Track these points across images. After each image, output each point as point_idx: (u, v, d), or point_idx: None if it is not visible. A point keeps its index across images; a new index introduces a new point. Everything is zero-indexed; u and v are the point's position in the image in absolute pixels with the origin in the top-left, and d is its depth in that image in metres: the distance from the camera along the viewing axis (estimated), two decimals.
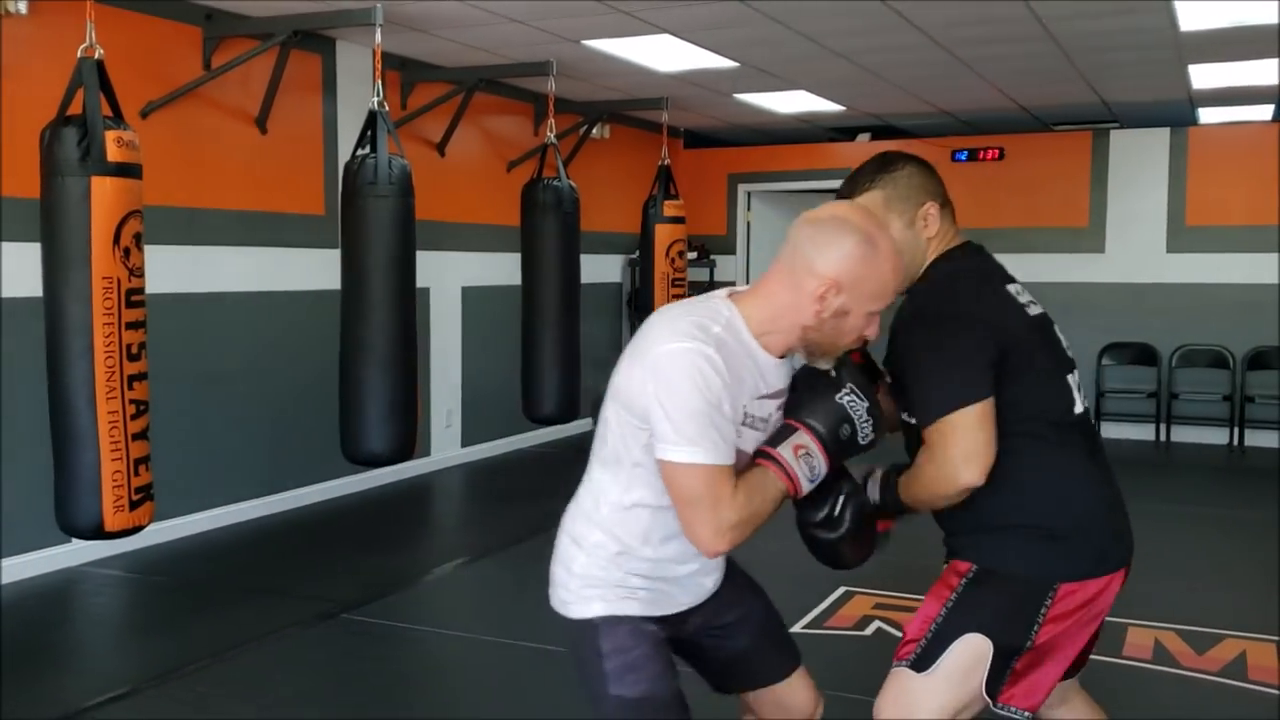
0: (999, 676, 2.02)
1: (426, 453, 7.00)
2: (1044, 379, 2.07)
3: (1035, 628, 2.00)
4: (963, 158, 8.95)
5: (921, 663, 2.03)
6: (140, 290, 3.84)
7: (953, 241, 2.17)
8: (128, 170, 3.76)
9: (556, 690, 3.67)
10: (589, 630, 1.92)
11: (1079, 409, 2.10)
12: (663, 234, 7.74)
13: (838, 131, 9.79)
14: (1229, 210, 8.26)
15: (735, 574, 2.16)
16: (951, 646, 2.01)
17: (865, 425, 1.89)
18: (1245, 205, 8.20)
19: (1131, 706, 3.44)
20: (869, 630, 4.07)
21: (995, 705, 2.03)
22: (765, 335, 1.88)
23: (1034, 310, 2.13)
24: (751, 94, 7.98)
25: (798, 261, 1.85)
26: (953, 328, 2.02)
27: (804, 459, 1.84)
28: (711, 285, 9.92)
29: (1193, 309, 8.28)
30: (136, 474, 3.85)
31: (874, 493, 2.09)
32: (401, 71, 6.56)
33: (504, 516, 6.05)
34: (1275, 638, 3.96)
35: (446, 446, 7.19)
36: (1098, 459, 2.13)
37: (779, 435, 1.87)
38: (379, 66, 4.86)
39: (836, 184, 9.02)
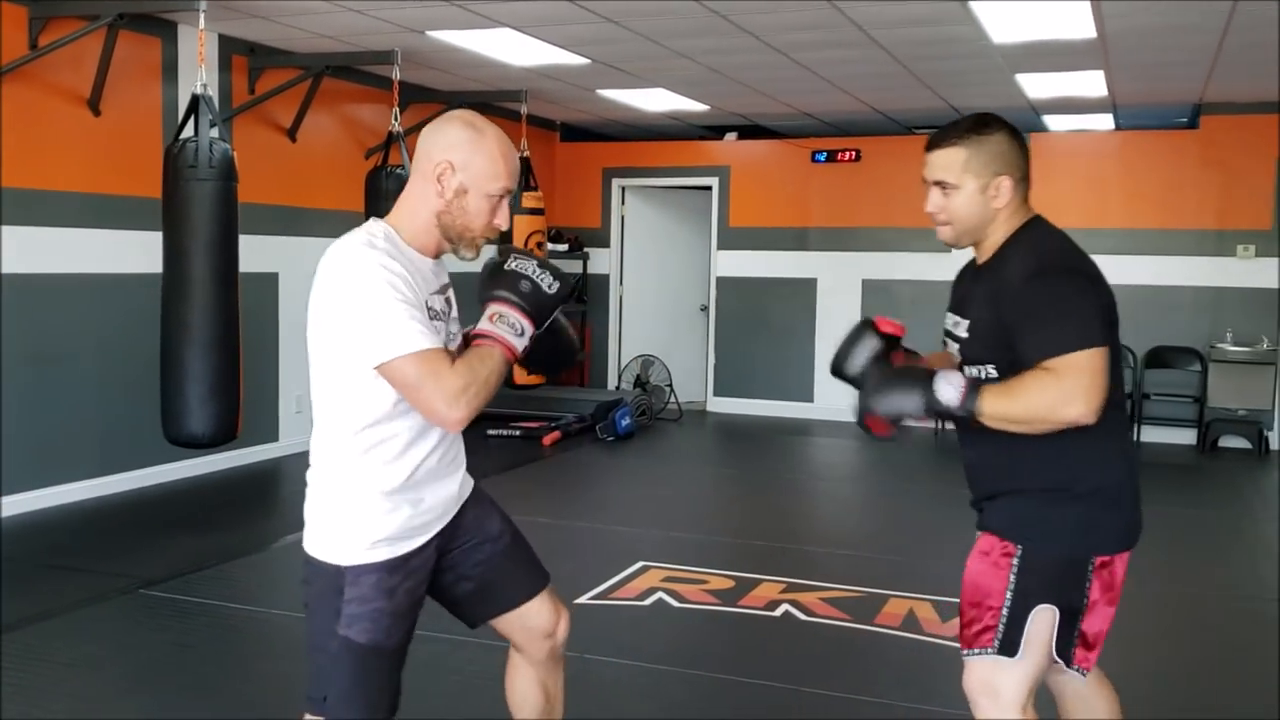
0: (1068, 640, 2.16)
1: (274, 438, 7.06)
2: (1117, 357, 2.15)
3: (1087, 590, 2.15)
4: (822, 159, 9.24)
5: (1009, 647, 2.14)
6: None
7: (1026, 214, 2.23)
8: None
9: None
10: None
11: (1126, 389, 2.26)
12: (521, 225, 7.90)
13: (709, 129, 10.02)
14: (1066, 213, 8.60)
15: (483, 498, 2.31)
16: (1029, 623, 2.13)
17: (543, 276, 2.07)
18: (1080, 209, 8.61)
19: (868, 668, 3.70)
20: (650, 600, 4.28)
21: (1071, 668, 2.19)
22: (415, 238, 2.06)
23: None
24: (613, 90, 8.15)
25: (420, 158, 2.06)
26: (1082, 283, 2.10)
27: (500, 321, 2.02)
28: (585, 278, 10.09)
29: None
30: None
31: (948, 393, 2.09)
32: (250, 56, 6.61)
33: None
34: None
35: (296, 432, 7.25)
36: (1130, 439, 2.31)
37: (480, 320, 2.07)
38: (202, 49, 4.94)
39: (707, 180, 9.39)
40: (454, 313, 2.17)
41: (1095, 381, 2.00)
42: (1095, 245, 8.40)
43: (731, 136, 9.86)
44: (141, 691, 3.44)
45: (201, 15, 4.92)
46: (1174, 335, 8.42)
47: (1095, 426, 2.06)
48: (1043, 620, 2.13)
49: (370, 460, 2.03)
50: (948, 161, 2.18)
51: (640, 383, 9.52)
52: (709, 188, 9.87)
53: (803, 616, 4.15)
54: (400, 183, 6.22)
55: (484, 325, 2.03)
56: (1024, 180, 2.22)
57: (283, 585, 4.80)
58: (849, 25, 5.77)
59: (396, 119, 6.25)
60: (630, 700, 3.39)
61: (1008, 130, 2.21)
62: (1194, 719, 3.38)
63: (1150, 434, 8.50)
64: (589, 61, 7.00)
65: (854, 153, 9.15)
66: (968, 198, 2.18)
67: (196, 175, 4.86)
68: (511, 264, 2.08)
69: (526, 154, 7.76)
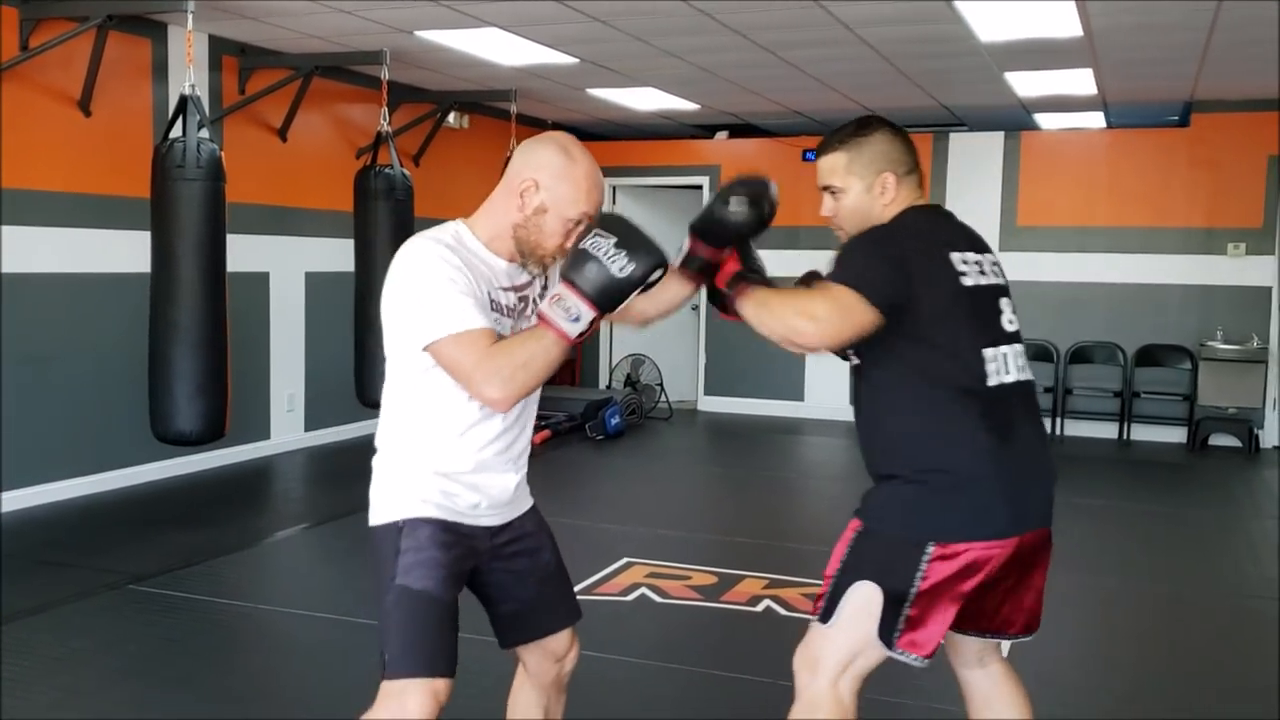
0: (891, 623, 2.15)
1: (266, 436, 7.09)
2: (955, 348, 2.15)
3: (917, 577, 2.12)
4: (812, 157, 9.18)
5: (826, 615, 2.21)
6: None
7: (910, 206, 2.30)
8: None
9: (322, 654, 3.85)
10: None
11: (997, 381, 2.18)
12: None
13: (699, 128, 10.05)
14: (1056, 212, 8.69)
15: (542, 526, 2.35)
16: (846, 595, 2.18)
17: (613, 258, 1.98)
18: (1071, 207, 8.65)
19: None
20: (633, 596, 4.31)
21: (892, 650, 2.16)
22: (492, 240, 2.12)
23: (972, 281, 2.22)
24: (603, 89, 8.18)
25: (510, 172, 2.10)
26: (875, 249, 2.19)
27: (557, 305, 1.99)
28: None
29: (1020, 305, 8.65)
30: None
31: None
32: (240, 57, 6.64)
33: (332, 497, 6.18)
34: None
35: (288, 430, 7.28)
36: (1014, 432, 2.19)
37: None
38: (190, 52, 4.97)
39: (698, 179, 9.37)
40: (529, 310, 2.17)
41: (843, 318, 2.10)
42: (1086, 243, 8.56)
43: (722, 135, 9.88)
44: (129, 685, 3.47)
45: (189, 16, 4.95)
46: (1164, 333, 8.45)
47: (943, 411, 2.15)
48: (860, 595, 2.16)
49: (428, 441, 2.11)
50: (832, 166, 2.29)
51: (631, 382, 9.54)
52: (700, 187, 9.89)
53: (783, 611, 4.18)
54: (389, 183, 6.33)
55: (542, 306, 2.03)
56: (910, 173, 2.30)
57: (271, 581, 4.84)
58: (835, 24, 5.80)
59: (386, 119, 6.28)
60: (611, 695, 3.42)
61: (888, 129, 2.30)
62: (1184, 718, 3.40)
63: (1140, 432, 8.53)
64: (578, 61, 7.03)
65: None
66: (855, 198, 2.28)
67: (184, 175, 4.89)
68: (586, 242, 2.02)
69: (512, 154, 7.78)
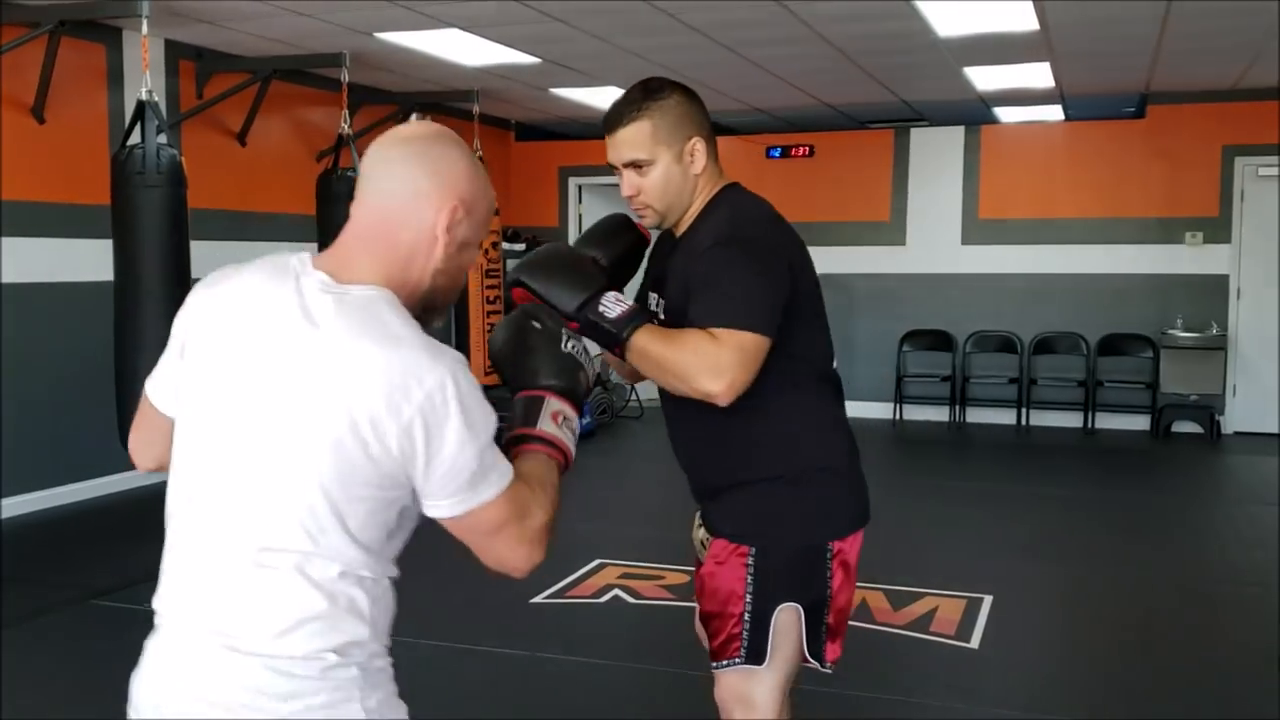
0: (817, 637, 2.05)
1: None
2: (821, 329, 2.09)
3: (829, 581, 2.04)
4: (776, 154, 9.29)
5: (755, 655, 2.03)
6: None
7: (721, 178, 2.11)
8: None
9: None
10: None
11: (835, 363, 2.14)
12: None
13: None
14: (1017, 204, 8.77)
15: None
16: (772, 626, 2.02)
17: (593, 366, 1.69)
18: (1031, 199, 8.73)
19: None
20: (606, 598, 4.30)
21: (825, 667, 2.08)
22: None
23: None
24: (566, 89, 8.16)
25: (407, 192, 1.42)
26: (766, 263, 1.96)
27: (565, 425, 1.57)
28: None
29: (984, 298, 8.78)
30: None
31: (614, 309, 1.91)
32: (198, 61, 6.57)
33: None
34: (968, 594, 4.33)
35: None
36: (844, 415, 2.15)
37: (529, 410, 1.56)
38: (146, 57, 4.91)
39: None
40: None
41: (745, 365, 1.86)
42: (1046, 235, 8.63)
43: None
44: (90, 700, 3.42)
45: (144, 21, 4.89)
46: (1125, 322, 8.55)
47: (810, 403, 2.05)
48: (786, 620, 2.03)
49: None
50: (635, 137, 2.01)
51: (600, 381, 9.53)
52: None
53: None
54: (351, 185, 6.26)
55: (547, 427, 1.55)
56: (712, 138, 2.08)
57: None
58: (795, 22, 5.82)
59: (347, 121, 6.24)
60: (584, 695, 3.42)
61: (681, 89, 2.07)
62: (1149, 703, 3.44)
63: (1104, 420, 8.62)
64: (540, 60, 7.01)
65: (808, 148, 9.20)
66: (665, 169, 2.02)
67: (145, 182, 4.83)
68: (568, 344, 1.65)
69: (480, 154, 7.75)
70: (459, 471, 1.34)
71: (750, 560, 2.02)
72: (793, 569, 2.03)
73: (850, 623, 3.96)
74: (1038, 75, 7.50)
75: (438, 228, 1.42)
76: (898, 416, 8.85)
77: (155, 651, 1.47)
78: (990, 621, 4.03)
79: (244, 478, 1.35)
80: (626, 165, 2.04)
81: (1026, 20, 5.86)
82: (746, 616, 2.02)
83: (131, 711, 1.48)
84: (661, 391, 2.06)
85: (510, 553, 1.44)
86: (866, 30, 6.06)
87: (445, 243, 1.43)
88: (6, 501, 5.55)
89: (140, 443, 1.57)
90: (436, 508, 1.37)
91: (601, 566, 4.64)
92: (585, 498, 6.62)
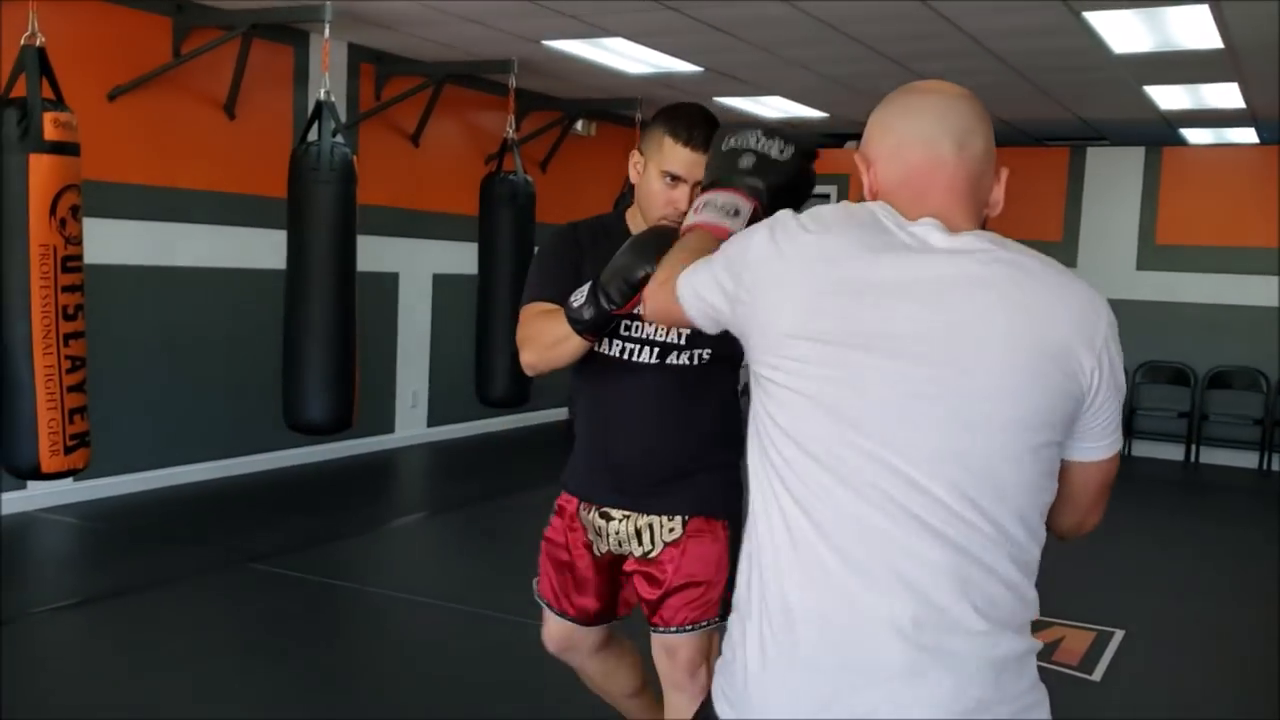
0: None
1: (390, 429, 7.35)
2: None
3: None
4: None
5: (728, 610, 2.15)
6: (77, 257, 4.18)
7: None
8: (64, 148, 4.11)
9: (426, 638, 4.00)
10: None
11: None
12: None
13: (828, 136, 9.98)
14: (1197, 230, 8.35)
15: None
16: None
17: (770, 144, 1.87)
18: (1212, 225, 8.29)
19: None
20: None
21: None
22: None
23: None
24: (730, 98, 8.22)
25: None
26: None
27: (706, 209, 1.83)
28: None
29: (1157, 326, 8.38)
30: (71, 422, 4.18)
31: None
32: (377, 64, 6.91)
33: (450, 490, 6.39)
34: (1099, 627, 4.18)
35: (412, 425, 7.53)
36: None
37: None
38: (326, 60, 5.20)
39: (826, 189, 9.29)
40: None
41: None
42: (1227, 263, 8.19)
43: (851, 145, 9.80)
44: (240, 655, 3.70)
45: (327, 26, 5.18)
46: None
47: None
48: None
49: None
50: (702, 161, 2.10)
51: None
52: (828, 196, 9.82)
53: None
54: (512, 189, 6.49)
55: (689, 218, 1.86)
56: None
57: (387, 566, 5.03)
58: (960, 35, 5.71)
59: (512, 126, 6.45)
60: None
61: None
62: None
63: None
64: (703, 70, 7.08)
65: None
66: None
67: (319, 178, 5.11)
68: (730, 141, 1.89)
69: None
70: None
71: (729, 532, 2.26)
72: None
73: None
74: (1226, 95, 7.13)
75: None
76: None
77: None
78: (1118, 655, 3.89)
79: None
80: (694, 183, 2.14)
81: (1209, 38, 5.59)
82: (729, 578, 2.19)
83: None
84: (603, 384, 2.27)
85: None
86: (1034, 46, 5.89)
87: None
88: (187, 469, 5.96)
89: None
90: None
91: None
92: None
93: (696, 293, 1.50)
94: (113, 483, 5.58)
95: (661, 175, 2.15)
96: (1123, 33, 5.56)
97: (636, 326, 2.21)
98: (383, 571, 4.91)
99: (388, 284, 7.16)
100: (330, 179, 5.15)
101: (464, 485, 6.46)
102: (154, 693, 3.34)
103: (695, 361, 2.22)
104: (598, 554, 2.33)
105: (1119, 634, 4.11)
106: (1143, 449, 8.44)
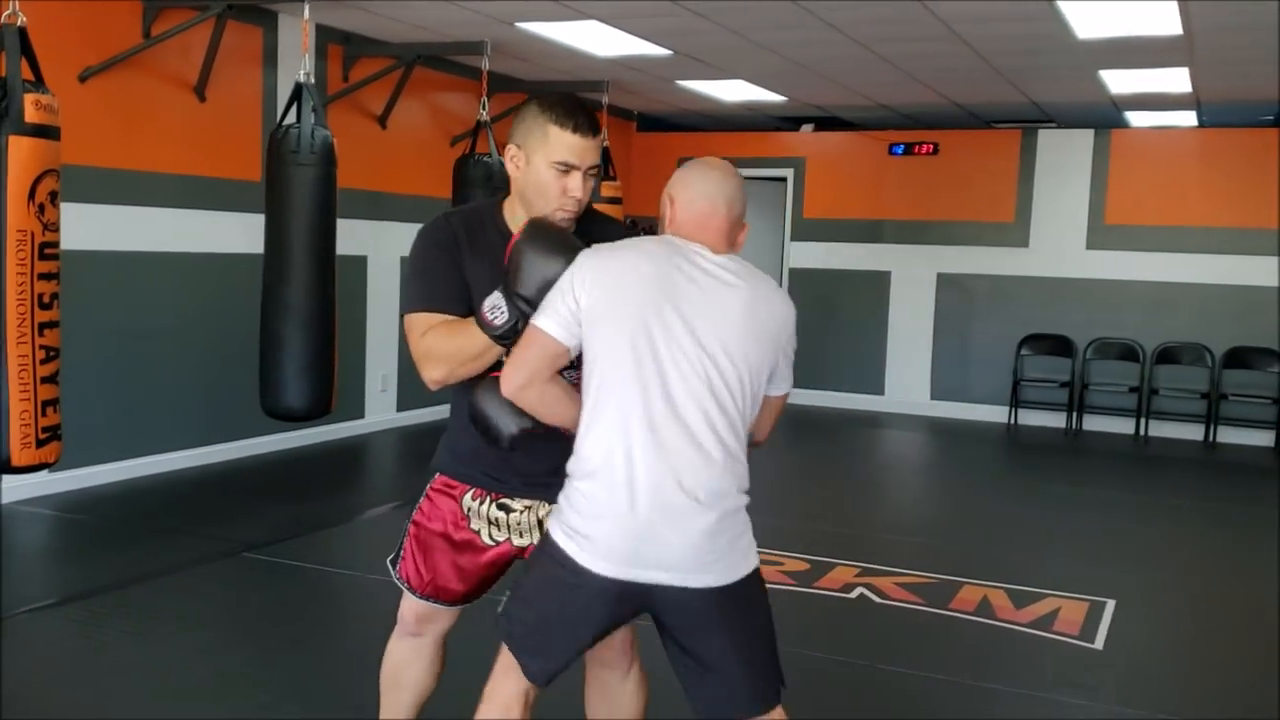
0: None
1: (360, 414, 7.30)
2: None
3: None
4: (899, 151, 9.26)
5: None
6: (54, 244, 4.05)
7: None
8: (45, 131, 3.96)
9: None
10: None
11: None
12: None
13: (784, 120, 10.09)
14: (1145, 210, 8.61)
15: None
16: None
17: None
18: (1160, 206, 8.56)
19: (941, 650, 3.80)
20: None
21: None
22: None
23: None
24: (693, 81, 8.26)
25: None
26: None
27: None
28: None
29: (1107, 304, 8.63)
30: (44, 414, 4.02)
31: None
32: (345, 45, 6.83)
33: (424, 476, 6.35)
34: (1092, 597, 4.33)
35: (381, 410, 7.49)
36: None
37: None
38: (306, 40, 5.13)
39: (782, 171, 9.37)
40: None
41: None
42: (1174, 243, 8.46)
43: (808, 128, 9.91)
44: (247, 644, 3.66)
45: (306, 7, 5.11)
46: (1253, 336, 8.32)
47: None
48: None
49: None
50: (599, 147, 2.20)
51: None
52: (784, 179, 9.93)
53: (878, 599, 4.26)
54: (487, 170, 6.47)
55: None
56: None
57: (378, 553, 5.01)
58: (934, 20, 5.82)
59: (485, 108, 6.42)
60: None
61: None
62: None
63: (1227, 434, 8.41)
64: (672, 53, 7.12)
65: (932, 145, 9.15)
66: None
67: (299, 160, 5.05)
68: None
69: (606, 144, 7.90)
70: None
71: None
72: None
73: (973, 618, 4.02)
74: (1176, 80, 7.36)
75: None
76: (1013, 421, 8.77)
77: None
78: (1115, 624, 4.03)
79: None
80: (589, 169, 2.16)
81: (1170, 24, 5.77)
82: None
83: None
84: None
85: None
86: (1005, 31, 6.03)
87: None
88: (158, 458, 5.87)
89: None
90: None
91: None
92: None
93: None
94: (85, 474, 5.47)
95: (552, 165, 2.12)
96: (1089, 18, 5.71)
97: None
98: (376, 558, 4.89)
99: (356, 267, 7.09)
100: (310, 161, 5.07)
101: None
102: (162, 692, 3.27)
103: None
104: (490, 542, 2.29)
105: (1110, 603, 4.25)
106: (1094, 423, 8.70)
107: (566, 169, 2.14)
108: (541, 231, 2.10)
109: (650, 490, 1.93)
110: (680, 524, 1.93)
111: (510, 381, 2.05)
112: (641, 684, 2.38)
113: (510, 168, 2.19)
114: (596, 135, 2.18)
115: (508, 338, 2.07)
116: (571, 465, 2.03)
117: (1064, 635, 3.91)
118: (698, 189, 2.14)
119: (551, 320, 2.01)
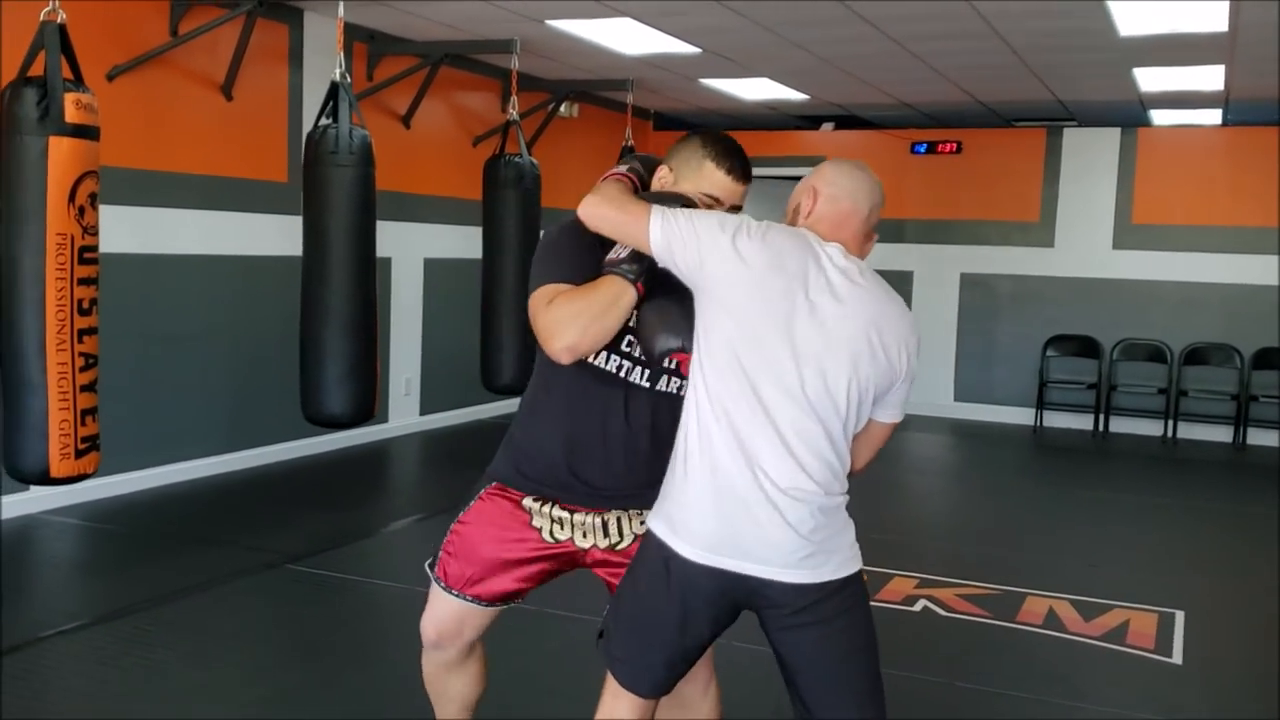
0: None
1: (384, 419, 7.18)
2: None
3: None
4: (921, 150, 9.17)
5: None
6: (94, 248, 3.95)
7: None
8: (85, 131, 3.87)
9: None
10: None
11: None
12: None
13: (803, 119, 9.98)
14: (1172, 210, 8.53)
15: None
16: None
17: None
18: (1187, 206, 8.48)
19: (1016, 665, 3.70)
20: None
21: None
22: None
23: None
24: (716, 79, 8.15)
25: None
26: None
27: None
28: None
29: (1134, 304, 8.55)
30: (83, 424, 3.93)
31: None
32: (369, 43, 6.71)
33: (454, 481, 6.23)
34: (1159, 608, 4.23)
35: (405, 414, 7.37)
36: None
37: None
38: (341, 38, 5.02)
39: (800, 171, 9.25)
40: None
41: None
42: (1202, 242, 8.37)
43: (828, 127, 9.81)
44: (308, 662, 3.54)
45: (341, 5, 4.99)
46: None
47: None
48: None
49: None
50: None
51: None
52: (798, 178, 9.81)
53: (943, 612, 4.15)
54: (518, 171, 6.36)
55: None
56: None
57: (415, 561, 4.89)
58: (975, 18, 5.72)
59: (515, 107, 6.30)
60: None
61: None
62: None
63: (1256, 436, 8.33)
64: (699, 51, 7.01)
65: (955, 144, 9.06)
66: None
67: (337, 161, 4.93)
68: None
69: (630, 143, 7.79)
70: None
71: None
72: None
73: (1044, 630, 3.92)
74: (1209, 78, 7.27)
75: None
76: (1038, 423, 8.68)
77: None
78: (1189, 636, 3.93)
79: None
80: (728, 208, 2.20)
81: (1217, 21, 5.68)
82: None
83: None
84: (583, 397, 2.18)
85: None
86: (1045, 26, 5.93)
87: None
88: (188, 464, 5.75)
89: None
90: None
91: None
92: None
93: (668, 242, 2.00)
94: (112, 481, 5.34)
95: (700, 196, 2.17)
96: (1133, 15, 5.62)
97: (635, 344, 2.16)
98: (415, 569, 4.78)
99: (380, 269, 6.91)
100: (349, 162, 4.95)
101: (465, 477, 6.32)
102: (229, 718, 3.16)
103: (680, 391, 2.15)
104: (550, 540, 2.26)
105: (1179, 614, 4.15)
106: (1120, 425, 8.62)
107: (714, 203, 2.18)
108: (676, 196, 2.16)
109: (748, 484, 1.93)
110: (775, 518, 1.93)
111: (588, 205, 2.12)
112: (718, 702, 2.36)
113: (654, 185, 2.24)
114: (747, 183, 2.23)
115: (634, 270, 2.05)
116: (675, 451, 2.03)
117: (1140, 649, 3.81)
118: (844, 186, 2.12)
119: (667, 217, 2.02)
